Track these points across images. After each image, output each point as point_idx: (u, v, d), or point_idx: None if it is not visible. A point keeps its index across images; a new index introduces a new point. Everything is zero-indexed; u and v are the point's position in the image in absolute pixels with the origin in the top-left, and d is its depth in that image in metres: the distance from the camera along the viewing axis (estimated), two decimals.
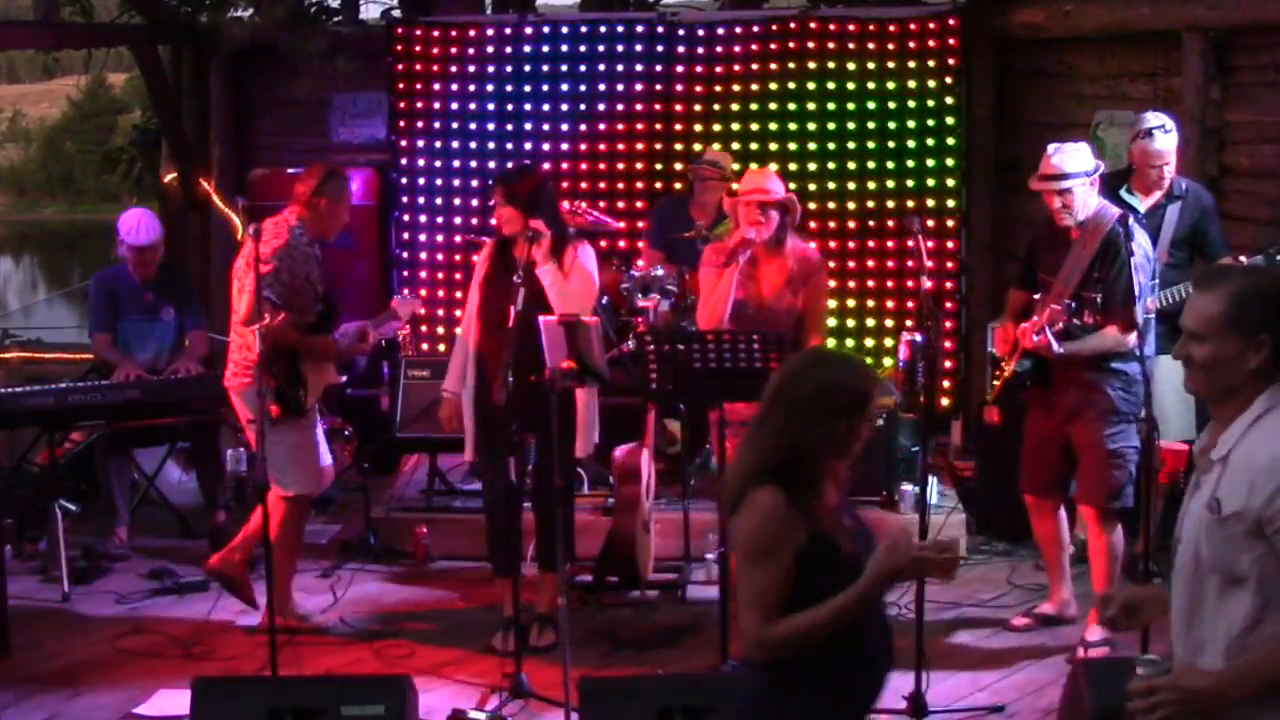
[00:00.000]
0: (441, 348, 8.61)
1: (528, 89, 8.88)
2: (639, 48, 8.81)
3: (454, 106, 8.96)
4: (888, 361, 8.20)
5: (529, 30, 8.88)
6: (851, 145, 8.58)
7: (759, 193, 5.72)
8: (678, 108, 8.76)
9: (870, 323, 8.57)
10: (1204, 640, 2.97)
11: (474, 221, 8.90)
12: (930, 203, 8.51)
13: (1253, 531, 2.88)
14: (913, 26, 8.53)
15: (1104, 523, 5.79)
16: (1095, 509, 5.80)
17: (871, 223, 8.57)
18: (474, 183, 8.92)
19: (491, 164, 8.84)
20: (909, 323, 8.34)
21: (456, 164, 8.98)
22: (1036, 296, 5.94)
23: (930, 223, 8.31)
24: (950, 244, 8.54)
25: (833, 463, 3.41)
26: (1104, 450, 5.73)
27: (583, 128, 8.86)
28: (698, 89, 8.74)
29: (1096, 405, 5.72)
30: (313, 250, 6.13)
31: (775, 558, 3.28)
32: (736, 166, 7.98)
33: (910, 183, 8.53)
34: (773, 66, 8.65)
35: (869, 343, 8.57)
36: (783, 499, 3.31)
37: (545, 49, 8.86)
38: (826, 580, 3.28)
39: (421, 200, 9.05)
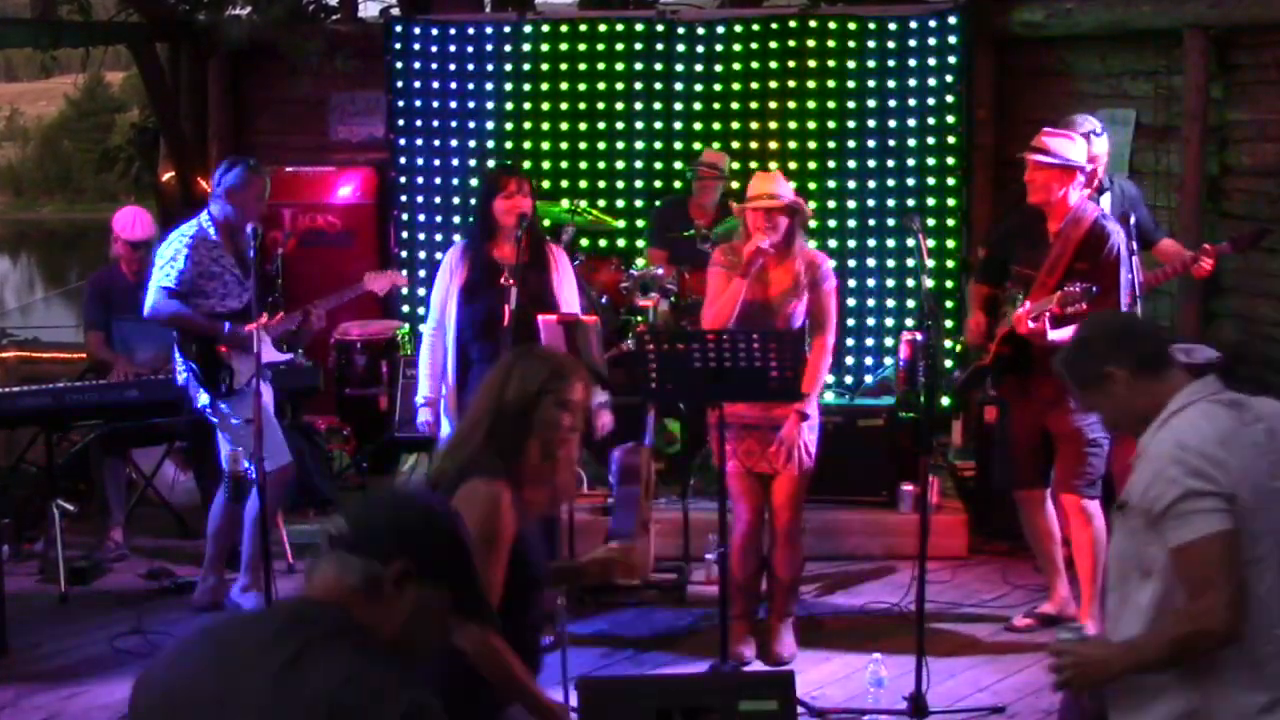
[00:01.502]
0: None
1: (527, 88, 8.87)
2: (639, 47, 8.80)
3: (453, 106, 8.95)
4: (888, 361, 8.20)
5: (528, 29, 8.87)
6: (851, 145, 8.57)
7: (766, 199, 5.65)
8: (678, 107, 8.74)
9: (870, 323, 8.56)
10: (1125, 634, 3.15)
11: (472, 220, 8.87)
12: (930, 202, 8.51)
13: (1148, 523, 3.04)
14: (913, 26, 8.52)
15: (1087, 512, 5.83)
16: (1077, 496, 5.85)
17: (871, 223, 8.56)
18: (473, 182, 8.89)
19: (490, 164, 8.82)
20: (909, 323, 8.35)
21: (455, 163, 8.97)
22: (999, 291, 6.04)
23: (930, 222, 8.31)
24: (950, 244, 8.54)
25: (535, 458, 3.47)
26: (1084, 439, 5.80)
27: (583, 128, 8.85)
28: (698, 89, 8.73)
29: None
30: (220, 240, 6.26)
31: (495, 549, 3.36)
32: (736, 165, 7.97)
33: (910, 182, 8.52)
34: (773, 66, 8.64)
35: (869, 343, 8.57)
36: (506, 492, 3.39)
37: (545, 48, 8.85)
38: (515, 580, 3.39)
39: (420, 199, 9.04)
